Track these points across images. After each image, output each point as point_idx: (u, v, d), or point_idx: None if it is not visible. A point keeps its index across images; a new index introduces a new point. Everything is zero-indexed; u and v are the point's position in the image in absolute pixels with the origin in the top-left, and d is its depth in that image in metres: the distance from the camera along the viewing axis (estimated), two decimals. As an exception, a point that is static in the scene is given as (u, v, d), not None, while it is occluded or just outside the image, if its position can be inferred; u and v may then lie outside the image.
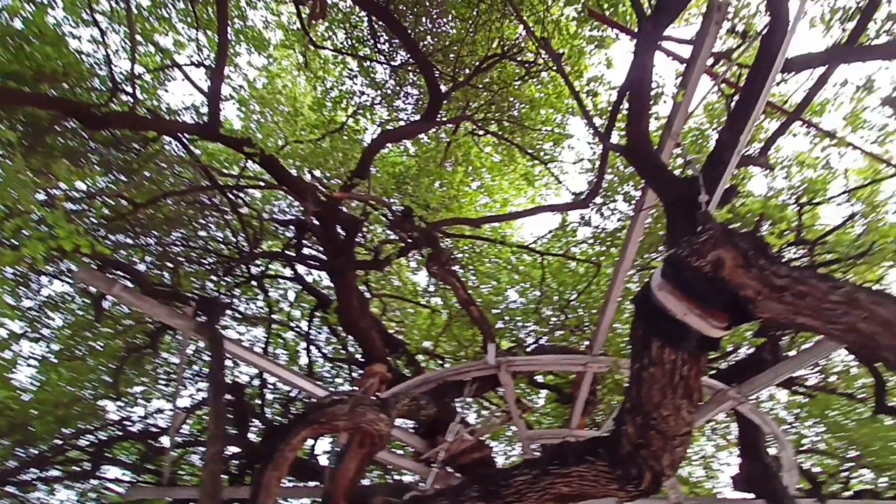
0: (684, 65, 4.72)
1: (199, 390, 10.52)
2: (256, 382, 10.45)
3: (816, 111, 6.06)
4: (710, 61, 4.71)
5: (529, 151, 7.69)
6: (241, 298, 10.91)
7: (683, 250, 2.86)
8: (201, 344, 10.20)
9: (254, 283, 10.29)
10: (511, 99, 7.42)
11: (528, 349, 7.68)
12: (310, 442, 9.84)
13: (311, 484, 9.21)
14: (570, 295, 7.89)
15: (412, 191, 7.68)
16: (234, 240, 9.33)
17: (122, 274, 7.19)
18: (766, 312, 2.69)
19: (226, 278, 9.33)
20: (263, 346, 10.16)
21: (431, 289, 10.26)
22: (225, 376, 5.91)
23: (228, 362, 10.44)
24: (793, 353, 7.37)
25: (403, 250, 6.49)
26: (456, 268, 6.52)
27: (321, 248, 8.80)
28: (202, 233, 9.27)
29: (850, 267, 6.04)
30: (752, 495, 7.62)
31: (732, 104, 4.69)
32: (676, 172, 4.31)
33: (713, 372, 7.79)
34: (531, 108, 7.41)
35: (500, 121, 7.66)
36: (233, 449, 9.43)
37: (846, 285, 2.55)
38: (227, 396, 9.02)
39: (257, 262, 10.18)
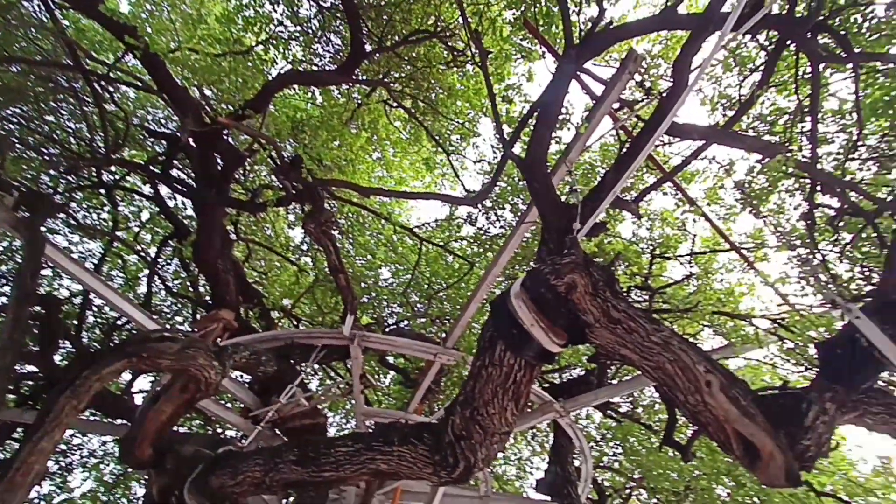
0: (594, 101, 5.03)
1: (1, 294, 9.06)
2: (78, 301, 9.26)
3: (687, 178, 6.85)
4: (615, 105, 5.07)
5: (436, 137, 7.69)
6: (81, 205, 9.58)
7: (546, 267, 3.04)
8: (17, 243, 8.80)
9: (102, 191, 9.07)
10: (432, 81, 7.35)
11: (386, 329, 7.73)
12: (127, 377, 8.97)
13: (119, 422, 8.41)
14: (439, 286, 8.06)
15: (308, 142, 7.27)
16: (88, 136, 8.11)
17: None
18: (599, 339, 2.95)
19: (67, 177, 8.09)
20: (97, 262, 9.02)
21: (304, 247, 9.87)
22: (36, 283, 5.11)
23: (47, 271, 9.15)
24: (615, 382, 8.29)
25: (283, 200, 6.13)
26: (334, 232, 6.30)
27: (193, 175, 8.00)
28: (50, 118, 7.94)
29: (676, 318, 6.92)
30: (549, 498, 8.49)
31: (623, 150, 5.10)
32: (562, 197, 4.57)
33: (546, 385, 8.49)
34: (448, 96, 7.41)
35: (416, 98, 7.56)
36: (30, 368, 8.27)
37: (665, 330, 2.89)
38: (36, 308, 7.87)
39: (112, 169, 8.98)
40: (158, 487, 4.50)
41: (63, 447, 9.82)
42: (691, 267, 7.06)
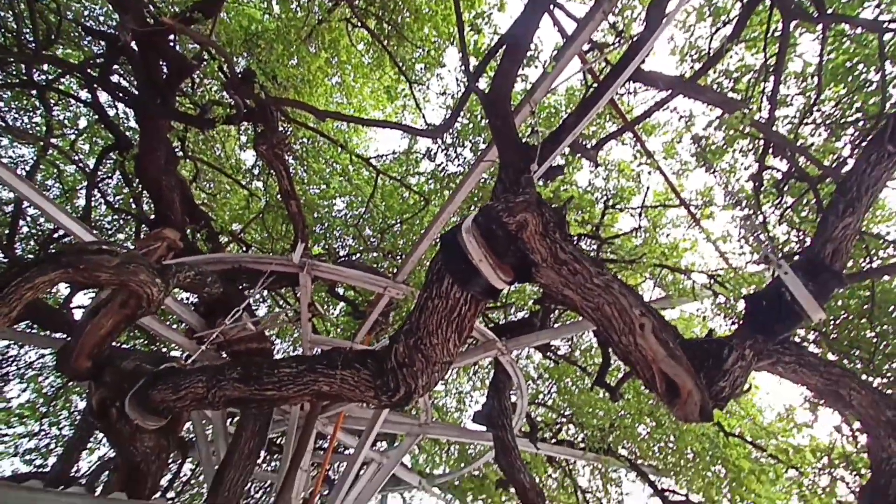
0: (564, 40, 4.91)
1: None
2: (9, 209, 8.68)
3: (647, 130, 6.92)
4: (586, 46, 4.97)
5: (400, 64, 7.35)
6: (10, 105, 8.79)
7: (499, 204, 3.05)
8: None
9: (33, 91, 8.31)
10: (399, 2, 6.91)
11: (338, 261, 7.69)
12: (65, 291, 8.64)
13: (58, 335, 8.17)
14: (393, 221, 8.00)
15: (262, 56, 6.78)
16: (14, 28, 7.30)
17: None
18: (544, 279, 3.03)
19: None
20: (29, 170, 8.40)
21: (256, 171, 9.50)
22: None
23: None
24: (556, 326, 8.66)
25: (234, 118, 5.77)
26: (287, 156, 6.06)
27: (135, 82, 7.40)
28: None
29: (621, 268, 7.20)
30: (484, 428, 9.00)
31: (588, 94, 5.05)
32: (522, 138, 4.53)
33: (491, 325, 8.77)
34: (415, 20, 7.00)
35: (381, 19, 7.12)
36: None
37: (607, 274, 3.00)
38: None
39: (44, 68, 8.20)
40: (98, 399, 4.45)
41: (-3, 358, 9.52)
42: (641, 220, 7.28)
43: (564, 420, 10.25)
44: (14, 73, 7.91)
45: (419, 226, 7.78)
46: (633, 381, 8.34)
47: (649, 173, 6.83)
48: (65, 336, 8.21)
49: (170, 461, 8.86)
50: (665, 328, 2.87)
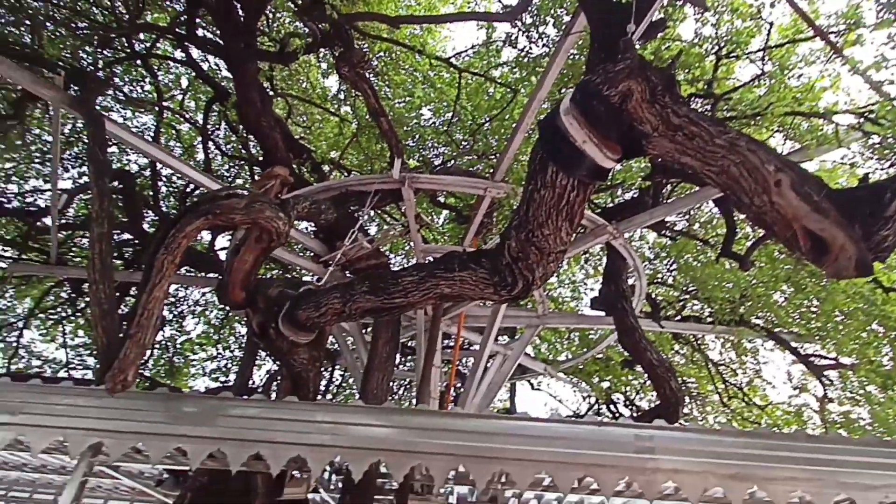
0: None
1: (81, 175, 9.69)
2: (148, 173, 9.79)
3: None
4: None
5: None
6: (123, 79, 9.58)
7: (598, 77, 2.82)
8: (80, 124, 9.11)
9: (138, 62, 8.95)
10: None
11: (434, 170, 7.76)
12: (208, 237, 9.76)
13: (211, 275, 9.41)
14: (482, 120, 7.76)
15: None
16: (108, 4, 7.76)
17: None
18: (657, 149, 2.82)
19: (103, 51, 7.97)
20: (153, 135, 9.29)
21: (342, 96, 9.62)
22: (107, 157, 5.40)
23: (114, 149, 9.57)
24: (671, 200, 8.15)
25: (312, 46, 5.81)
26: (369, 74, 6.04)
27: (217, 31, 7.65)
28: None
29: (743, 125, 6.43)
30: (603, 313, 9.06)
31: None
32: (612, -4, 4.03)
33: (599, 210, 8.49)
34: None
35: None
36: (126, 236, 9.16)
37: (731, 132, 2.70)
38: (115, 183, 8.44)
39: (141, 37, 8.73)
40: (257, 323, 5.16)
41: (172, 299, 11.26)
42: (764, 64, 6.31)
43: (688, 297, 9.94)
44: (118, 47, 8.52)
45: (510, 120, 7.48)
46: (765, 247, 7.74)
47: (772, 5, 5.80)
48: (216, 275, 9.46)
49: (323, 369, 10.15)
50: (806, 181, 2.57)
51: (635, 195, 8.42)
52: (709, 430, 4.48)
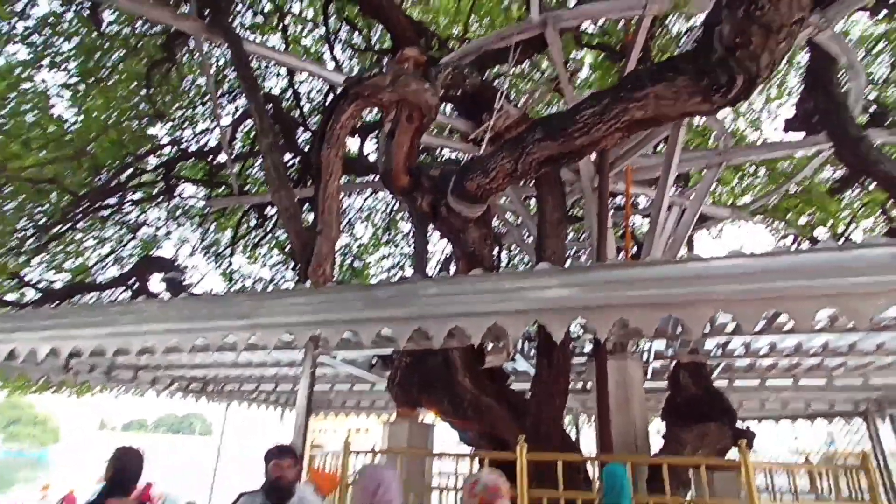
0: None
1: (237, 109, 10.44)
2: (289, 95, 10.17)
3: None
4: None
5: None
6: (242, 2, 9.72)
7: None
8: (220, 61, 9.64)
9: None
10: None
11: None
12: (356, 144, 10.02)
13: (368, 178, 9.79)
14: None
15: None
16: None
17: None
18: None
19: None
20: (283, 49, 9.46)
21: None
22: (252, 73, 5.54)
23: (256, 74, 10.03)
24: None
25: None
26: None
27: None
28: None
29: None
30: (802, 134, 7.52)
31: None
32: None
33: None
34: None
35: None
36: (287, 156, 9.80)
37: None
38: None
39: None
40: (428, 203, 5.15)
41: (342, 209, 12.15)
42: None
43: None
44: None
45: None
46: None
47: None
48: (372, 178, 9.80)
49: (494, 247, 10.23)
50: None
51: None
52: None
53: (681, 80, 2.88)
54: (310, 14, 10.31)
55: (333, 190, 4.48)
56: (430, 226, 8.66)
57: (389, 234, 12.85)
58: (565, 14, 5.60)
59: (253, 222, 11.44)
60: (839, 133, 6.00)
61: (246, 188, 10.59)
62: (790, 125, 7.93)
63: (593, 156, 7.28)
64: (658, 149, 8.93)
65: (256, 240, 11.45)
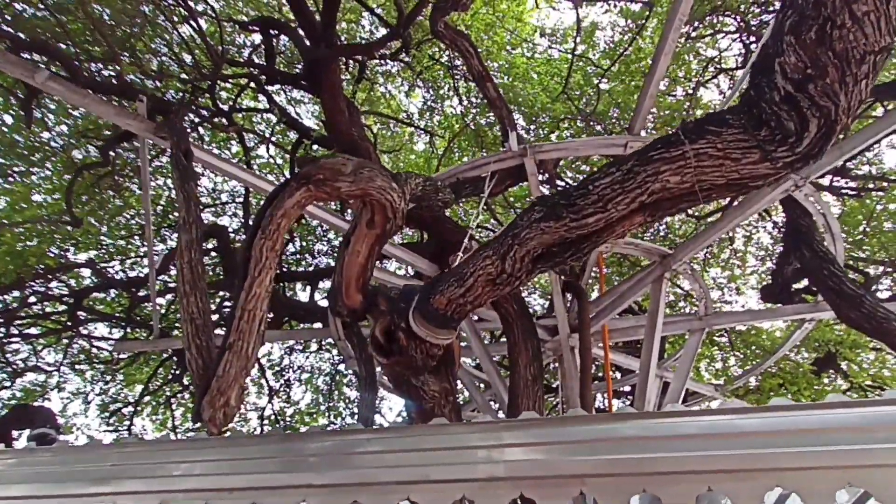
0: None
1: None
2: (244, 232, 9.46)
3: None
4: None
5: None
6: (210, 144, 9.56)
7: None
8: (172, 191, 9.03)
9: (224, 121, 8.86)
10: None
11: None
12: (305, 291, 9.08)
13: (316, 326, 8.61)
14: (602, 68, 6.39)
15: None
16: (190, 58, 7.73)
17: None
18: None
19: (191, 103, 7.85)
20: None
21: (427, 114, 8.95)
22: (192, 166, 4.79)
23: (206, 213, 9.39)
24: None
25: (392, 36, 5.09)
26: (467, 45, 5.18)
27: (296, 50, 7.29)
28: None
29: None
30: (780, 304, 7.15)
31: None
32: None
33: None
34: None
35: None
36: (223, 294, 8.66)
37: None
38: (210, 241, 8.08)
39: (224, 93, 8.67)
40: (382, 328, 4.06)
41: (277, 367, 10.57)
42: None
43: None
44: (205, 103, 8.43)
45: (634, 72, 6.27)
46: None
47: None
48: (321, 326, 8.63)
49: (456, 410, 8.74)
50: None
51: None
52: None
53: (731, 131, 2.23)
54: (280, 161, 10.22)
55: (262, 291, 3.38)
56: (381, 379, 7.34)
57: (332, 401, 11.12)
58: (545, 146, 5.35)
59: (172, 375, 9.68)
60: (836, 291, 5.52)
61: (172, 332, 9.13)
62: (767, 295, 7.60)
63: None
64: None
65: (171, 394, 9.56)
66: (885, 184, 7.04)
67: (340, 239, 4.35)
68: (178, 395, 9.66)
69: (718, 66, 6.73)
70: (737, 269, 9.06)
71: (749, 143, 2.19)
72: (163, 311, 8.93)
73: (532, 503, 2.26)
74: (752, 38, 6.08)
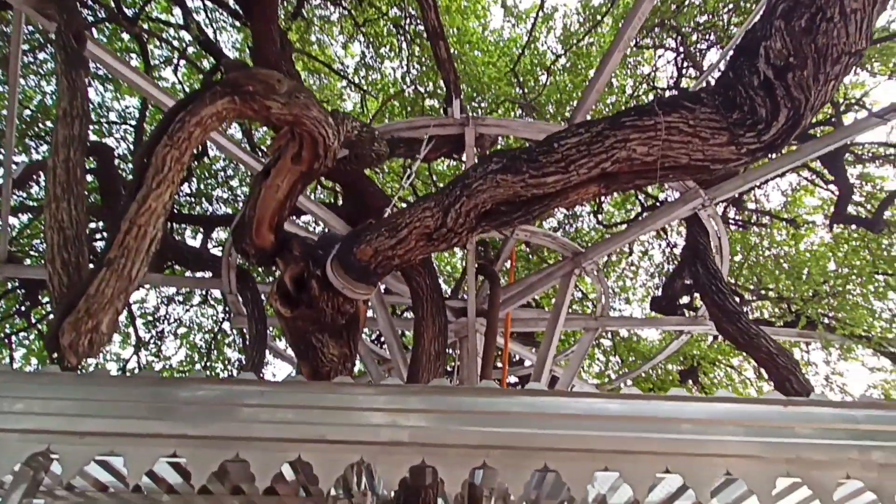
0: None
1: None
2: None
3: None
4: None
5: None
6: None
7: None
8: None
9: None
10: None
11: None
12: (196, 237, 8.22)
13: (203, 274, 7.81)
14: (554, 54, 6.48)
15: None
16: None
17: None
18: None
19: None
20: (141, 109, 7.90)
21: (362, 71, 8.44)
22: (83, 48, 4.00)
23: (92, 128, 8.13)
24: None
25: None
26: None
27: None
28: None
29: None
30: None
31: None
32: None
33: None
34: None
35: None
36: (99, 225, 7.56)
37: None
38: (90, 158, 6.96)
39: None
40: (291, 275, 3.67)
41: (150, 317, 9.49)
42: None
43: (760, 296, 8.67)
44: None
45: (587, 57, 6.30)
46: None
47: None
48: (209, 274, 7.84)
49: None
50: None
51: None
52: None
53: (703, 109, 2.21)
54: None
55: (158, 206, 2.85)
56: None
57: (210, 361, 10.23)
58: (488, 120, 5.23)
59: (15, 310, 8.28)
60: (720, 306, 6.03)
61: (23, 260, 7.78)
62: (656, 305, 8.21)
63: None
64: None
65: (12, 331, 8.18)
66: (766, 219, 7.83)
67: (246, 185, 3.87)
68: (21, 334, 8.31)
69: (652, 85, 7.07)
70: (628, 280, 9.67)
71: (720, 123, 2.18)
72: (14, 232, 7.58)
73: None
74: (688, 63, 6.45)
